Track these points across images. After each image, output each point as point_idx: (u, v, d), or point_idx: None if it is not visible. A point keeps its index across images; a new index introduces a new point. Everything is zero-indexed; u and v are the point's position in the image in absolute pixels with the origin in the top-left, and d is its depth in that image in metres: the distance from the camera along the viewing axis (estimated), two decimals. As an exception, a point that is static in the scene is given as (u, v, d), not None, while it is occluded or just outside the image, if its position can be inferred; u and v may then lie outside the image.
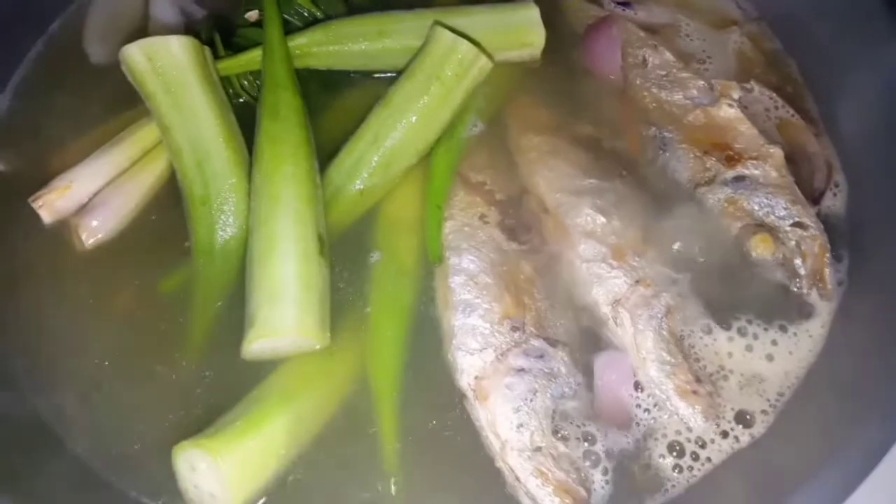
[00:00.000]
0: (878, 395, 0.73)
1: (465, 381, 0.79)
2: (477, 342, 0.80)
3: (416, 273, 0.86)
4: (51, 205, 0.89)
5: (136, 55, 0.88)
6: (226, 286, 0.84)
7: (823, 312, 0.84)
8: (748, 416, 0.80)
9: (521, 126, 0.94)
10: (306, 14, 0.99)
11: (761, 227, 0.86)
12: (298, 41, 0.95)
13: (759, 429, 0.79)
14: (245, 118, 0.91)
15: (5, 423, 0.82)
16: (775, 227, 0.86)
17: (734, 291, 0.84)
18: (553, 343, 0.80)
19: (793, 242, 0.85)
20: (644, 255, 0.84)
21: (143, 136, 0.92)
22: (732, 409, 0.80)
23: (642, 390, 0.80)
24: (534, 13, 0.95)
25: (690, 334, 0.83)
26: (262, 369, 0.81)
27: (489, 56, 0.91)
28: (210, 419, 0.77)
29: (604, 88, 0.97)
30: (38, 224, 0.90)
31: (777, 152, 0.88)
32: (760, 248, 0.85)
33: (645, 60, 0.96)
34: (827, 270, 0.84)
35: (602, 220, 0.85)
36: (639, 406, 0.80)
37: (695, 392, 0.79)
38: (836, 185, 0.92)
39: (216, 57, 0.94)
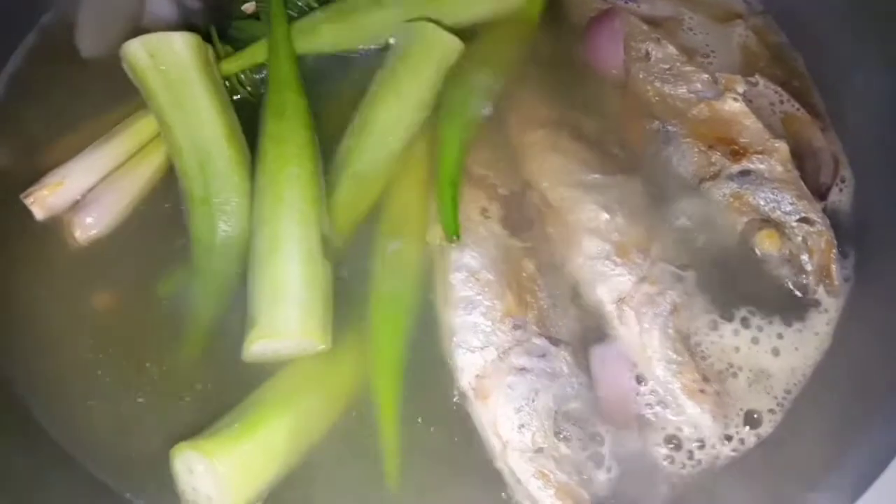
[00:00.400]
0: (887, 393, 0.73)
1: (465, 379, 0.78)
2: (478, 340, 0.78)
3: (418, 268, 0.85)
4: (43, 201, 0.88)
5: (139, 51, 0.87)
6: (225, 287, 0.83)
7: (831, 308, 0.83)
8: (755, 416, 0.79)
9: (521, 121, 0.93)
10: (304, 7, 0.98)
11: (767, 222, 0.85)
12: (298, 24, 0.96)
13: (766, 428, 0.79)
14: (243, 115, 0.90)
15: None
16: (781, 223, 0.84)
17: (740, 288, 0.83)
18: (555, 342, 0.79)
19: (799, 238, 0.84)
20: (648, 252, 0.83)
21: (137, 130, 0.90)
22: (741, 409, 0.79)
23: (647, 387, 0.79)
24: None
25: (697, 332, 0.82)
26: (263, 371, 0.80)
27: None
28: (209, 421, 0.76)
29: (606, 82, 0.96)
30: (31, 220, 0.89)
31: (782, 147, 0.87)
32: (766, 243, 0.84)
33: (648, 54, 0.95)
34: (834, 266, 0.83)
35: (605, 216, 0.84)
36: (647, 405, 0.79)
37: (702, 391, 0.78)
38: (843, 181, 0.91)
39: (214, 50, 0.93)
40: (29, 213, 0.88)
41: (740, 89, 0.90)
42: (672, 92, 0.93)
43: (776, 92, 0.94)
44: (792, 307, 0.83)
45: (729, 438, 0.78)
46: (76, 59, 1.01)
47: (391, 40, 0.96)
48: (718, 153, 0.88)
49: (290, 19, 0.97)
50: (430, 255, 0.85)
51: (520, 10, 1.00)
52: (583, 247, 0.83)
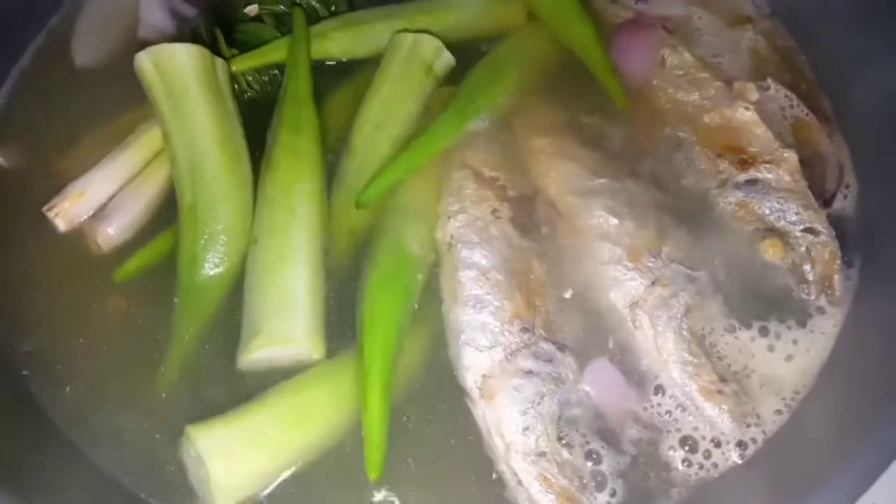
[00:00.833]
0: (891, 396, 0.73)
1: (470, 378, 0.78)
2: (486, 339, 0.78)
3: (414, 268, 0.84)
4: (66, 213, 0.89)
5: (146, 61, 0.88)
6: (208, 298, 0.83)
7: (837, 314, 0.84)
8: (762, 417, 0.80)
9: (527, 126, 0.93)
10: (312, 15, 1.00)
11: (772, 231, 0.85)
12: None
13: (772, 428, 0.79)
14: (250, 114, 0.91)
15: (14, 423, 0.81)
16: (786, 232, 0.85)
17: (751, 291, 0.84)
18: (562, 348, 0.79)
19: (803, 248, 0.84)
20: (659, 254, 0.83)
21: (151, 138, 0.91)
22: (754, 409, 0.80)
23: (664, 394, 0.80)
24: None
25: (712, 332, 0.82)
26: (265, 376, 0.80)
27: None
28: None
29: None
30: (49, 228, 0.89)
31: (791, 157, 0.87)
32: (770, 252, 0.84)
33: (664, 60, 0.95)
34: (836, 277, 0.84)
35: (615, 221, 0.84)
36: (667, 411, 0.80)
37: (720, 392, 0.79)
38: (847, 187, 0.91)
39: (220, 55, 0.93)
40: (46, 221, 0.89)
41: (753, 98, 0.90)
42: (685, 98, 0.93)
43: (787, 96, 0.94)
44: (796, 313, 0.84)
45: (740, 441, 0.79)
46: (76, 68, 1.02)
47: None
48: (727, 161, 0.88)
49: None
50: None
51: (523, 26, 1.00)
52: (593, 252, 0.83)
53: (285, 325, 0.79)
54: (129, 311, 0.85)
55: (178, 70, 0.87)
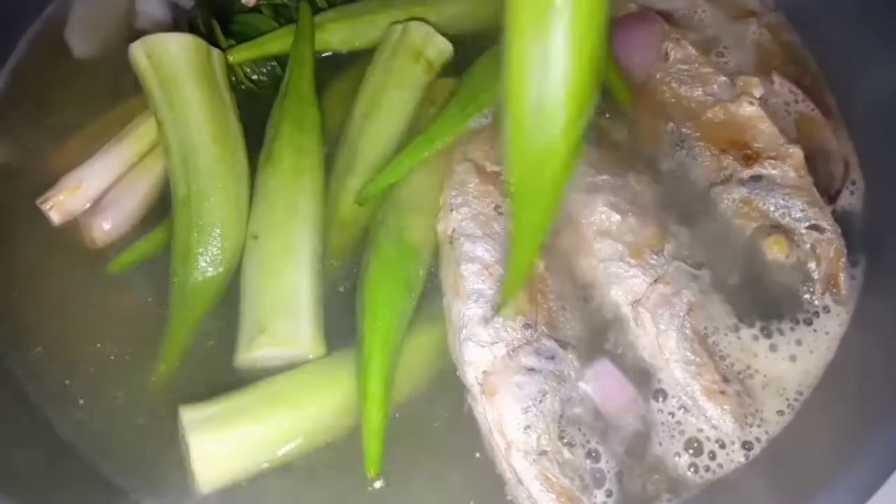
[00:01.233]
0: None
1: (472, 374, 0.77)
2: (488, 335, 0.77)
3: (416, 259, 0.84)
4: (60, 206, 0.88)
5: (139, 51, 0.88)
6: (205, 292, 0.83)
7: (842, 313, 0.83)
8: (765, 418, 0.79)
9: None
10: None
11: (776, 228, 0.84)
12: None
13: (775, 429, 0.79)
14: (246, 106, 0.91)
15: (9, 424, 0.81)
16: (791, 229, 0.84)
17: (754, 289, 0.83)
18: (564, 345, 0.78)
19: (808, 245, 0.84)
20: (662, 251, 0.82)
21: (147, 131, 0.90)
22: (758, 409, 0.79)
23: (664, 399, 0.79)
24: None
25: (715, 331, 0.81)
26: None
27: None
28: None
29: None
30: (44, 222, 0.88)
31: (797, 153, 0.86)
32: (774, 249, 0.84)
33: (667, 54, 0.94)
34: (842, 275, 0.83)
35: (617, 217, 0.83)
36: (669, 412, 0.79)
37: (723, 392, 0.78)
38: (853, 183, 0.90)
39: (217, 46, 0.92)
40: (41, 215, 0.88)
41: (757, 93, 0.90)
42: (688, 93, 0.92)
43: (791, 91, 0.94)
44: (801, 312, 0.83)
45: (744, 441, 0.78)
46: (72, 58, 1.01)
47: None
48: (731, 157, 0.87)
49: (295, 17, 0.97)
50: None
51: None
52: (595, 249, 0.82)
53: (290, 325, 0.78)
54: (125, 305, 0.85)
55: (171, 60, 0.87)
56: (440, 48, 0.95)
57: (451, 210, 0.84)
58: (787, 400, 0.80)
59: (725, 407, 0.78)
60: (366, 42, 0.98)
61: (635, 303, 0.80)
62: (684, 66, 0.93)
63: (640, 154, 0.90)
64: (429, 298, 0.83)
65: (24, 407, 0.81)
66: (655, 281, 0.81)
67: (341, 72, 0.97)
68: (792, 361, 0.81)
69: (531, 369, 0.76)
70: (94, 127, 0.94)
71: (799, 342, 0.82)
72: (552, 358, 0.77)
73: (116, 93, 0.94)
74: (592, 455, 0.76)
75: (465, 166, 0.87)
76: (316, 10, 0.98)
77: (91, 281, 0.86)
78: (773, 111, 0.90)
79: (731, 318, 0.82)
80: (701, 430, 0.78)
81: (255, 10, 0.98)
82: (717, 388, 0.78)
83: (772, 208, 0.85)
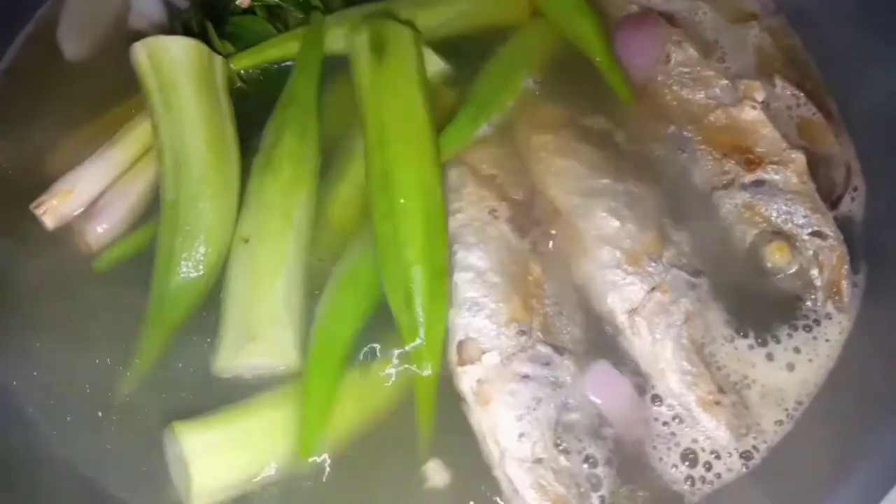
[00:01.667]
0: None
1: (466, 383, 0.76)
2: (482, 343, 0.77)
3: None
4: (54, 210, 0.87)
5: (140, 53, 0.87)
6: (185, 297, 0.82)
7: (843, 321, 0.83)
8: (763, 428, 0.79)
9: (528, 124, 0.91)
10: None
11: (778, 234, 0.83)
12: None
13: (774, 439, 0.78)
14: (239, 107, 0.90)
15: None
16: (793, 236, 0.83)
17: (754, 297, 0.83)
18: (560, 351, 0.77)
19: (810, 252, 0.83)
20: (660, 259, 0.81)
21: (142, 134, 0.89)
22: (755, 420, 0.78)
23: (661, 402, 0.78)
24: None
25: (712, 341, 0.81)
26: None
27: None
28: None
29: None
30: (37, 227, 0.88)
31: (799, 158, 0.85)
32: (776, 256, 0.83)
33: (668, 56, 0.93)
34: (844, 283, 0.82)
35: (616, 223, 0.82)
36: (663, 422, 0.78)
37: (718, 403, 0.77)
38: (855, 189, 0.90)
39: (210, 46, 0.91)
40: (34, 219, 0.87)
41: (759, 97, 0.89)
42: (690, 97, 0.91)
43: (793, 95, 0.93)
44: (804, 318, 0.83)
45: (743, 451, 0.78)
46: (64, 59, 1.00)
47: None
48: (733, 162, 0.86)
49: (298, 22, 0.97)
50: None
51: (527, 22, 0.99)
52: (593, 255, 0.81)
53: (280, 335, 0.78)
54: (121, 310, 0.83)
55: (173, 64, 0.86)
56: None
57: (448, 216, 0.83)
58: (787, 410, 0.79)
59: (721, 418, 0.77)
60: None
61: (632, 311, 0.79)
62: (686, 69, 0.92)
63: (641, 158, 0.89)
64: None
65: (13, 414, 0.81)
66: (653, 289, 0.80)
67: (338, 76, 0.95)
68: (790, 370, 0.81)
69: (525, 376, 0.75)
70: (88, 129, 0.93)
71: (798, 350, 0.81)
72: (547, 364, 0.76)
73: (112, 94, 0.94)
74: (590, 461, 0.75)
75: (461, 169, 0.87)
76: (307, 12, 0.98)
77: (85, 285, 0.85)
78: (774, 115, 0.89)
79: (729, 327, 0.81)
80: (696, 441, 0.77)
81: (250, 11, 0.98)
82: (712, 399, 0.77)
83: (774, 214, 0.84)
